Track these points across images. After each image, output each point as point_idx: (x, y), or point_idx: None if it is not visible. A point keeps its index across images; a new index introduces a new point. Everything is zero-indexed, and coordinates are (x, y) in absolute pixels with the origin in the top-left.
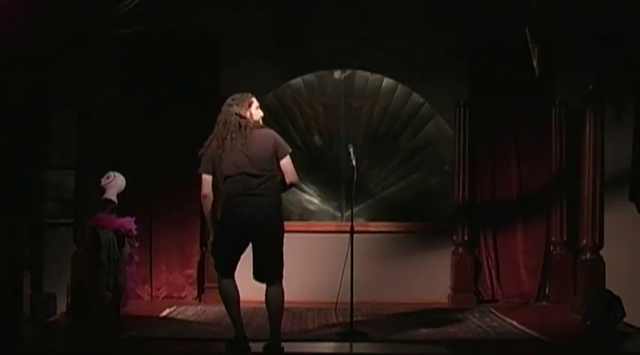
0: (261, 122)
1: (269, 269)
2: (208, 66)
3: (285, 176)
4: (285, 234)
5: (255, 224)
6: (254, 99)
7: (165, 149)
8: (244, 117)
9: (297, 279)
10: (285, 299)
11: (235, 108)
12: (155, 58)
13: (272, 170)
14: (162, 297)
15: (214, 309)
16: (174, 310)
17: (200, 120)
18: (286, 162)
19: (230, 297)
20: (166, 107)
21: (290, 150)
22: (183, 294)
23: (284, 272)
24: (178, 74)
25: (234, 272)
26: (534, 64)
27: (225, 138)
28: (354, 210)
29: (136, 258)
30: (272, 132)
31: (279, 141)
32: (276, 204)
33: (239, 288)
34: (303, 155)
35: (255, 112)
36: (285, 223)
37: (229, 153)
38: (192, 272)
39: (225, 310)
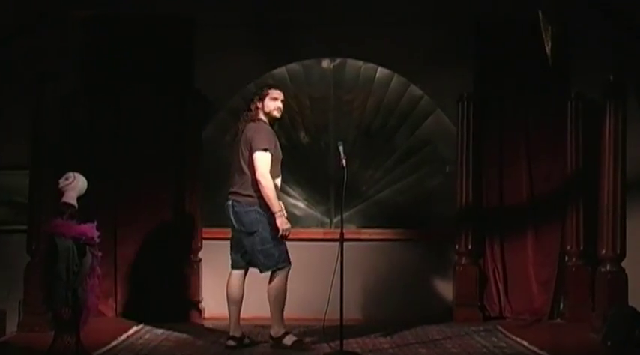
0: (275, 114)
1: (259, 262)
2: (181, 54)
3: None
4: None
5: (236, 226)
6: (272, 91)
7: (133, 146)
8: (250, 110)
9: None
10: (267, 315)
11: (253, 98)
12: (121, 44)
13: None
14: None
15: (187, 326)
16: (142, 328)
17: (172, 113)
18: (254, 158)
19: (228, 290)
20: (134, 99)
21: (262, 146)
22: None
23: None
24: (148, 63)
25: (238, 266)
26: (547, 51)
27: (237, 129)
28: (345, 215)
29: (99, 269)
30: (256, 125)
31: (253, 135)
32: (253, 203)
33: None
34: (288, 154)
35: (269, 104)
36: None
37: (236, 145)
38: None
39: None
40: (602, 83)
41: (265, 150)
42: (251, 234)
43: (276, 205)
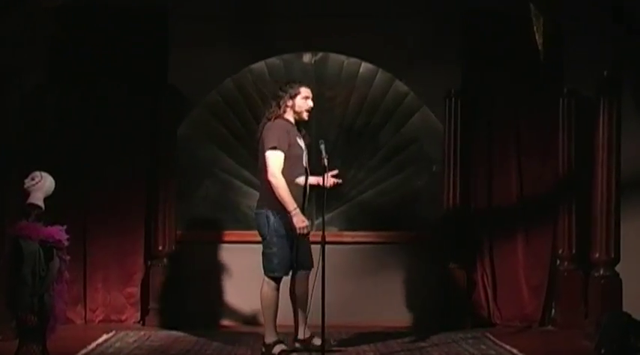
0: (304, 116)
1: (262, 263)
2: (155, 47)
3: None
4: (244, 246)
5: None
6: (303, 89)
7: (103, 144)
8: (279, 106)
9: (258, 298)
10: (248, 321)
11: (279, 93)
12: (91, 36)
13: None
14: (99, 321)
15: (161, 335)
16: (113, 336)
17: (145, 110)
18: (264, 158)
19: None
20: (105, 95)
21: (270, 145)
22: (123, 317)
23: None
24: (119, 56)
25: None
26: (539, 45)
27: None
28: (326, 217)
29: (67, 274)
30: (271, 124)
31: (266, 135)
32: (264, 206)
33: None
34: None
35: (300, 103)
36: (244, 233)
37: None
38: (135, 290)
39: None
40: (597, 79)
41: (274, 148)
42: (261, 237)
43: (290, 204)
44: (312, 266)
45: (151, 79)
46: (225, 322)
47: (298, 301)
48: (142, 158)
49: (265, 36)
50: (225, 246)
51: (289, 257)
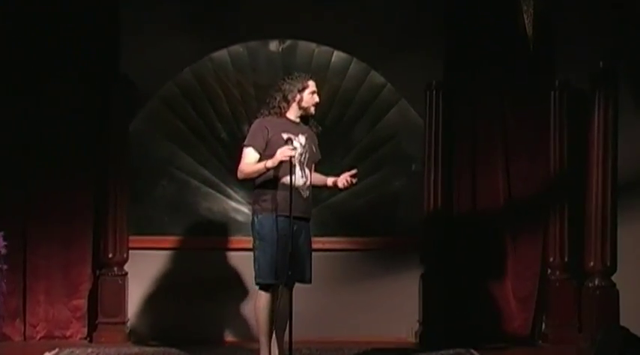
0: (312, 111)
1: None
2: (104, 33)
3: None
4: (202, 253)
5: None
6: (311, 83)
7: (46, 141)
8: (287, 101)
9: (223, 310)
10: (207, 336)
11: (285, 86)
12: (33, 21)
13: None
14: (40, 337)
15: (110, 352)
16: (56, 354)
17: (94, 103)
18: None
19: None
20: (48, 86)
21: (245, 141)
22: (68, 333)
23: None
24: (65, 43)
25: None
26: (528, 33)
27: None
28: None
29: (4, 285)
30: (256, 121)
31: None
32: (253, 207)
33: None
34: (229, 150)
35: (308, 98)
36: (203, 238)
37: None
38: (82, 302)
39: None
40: (591, 71)
41: (245, 145)
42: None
43: (264, 166)
44: (306, 281)
45: (100, 69)
46: (182, 336)
47: (277, 316)
48: (90, 156)
49: (228, 21)
50: (182, 252)
51: (273, 263)
